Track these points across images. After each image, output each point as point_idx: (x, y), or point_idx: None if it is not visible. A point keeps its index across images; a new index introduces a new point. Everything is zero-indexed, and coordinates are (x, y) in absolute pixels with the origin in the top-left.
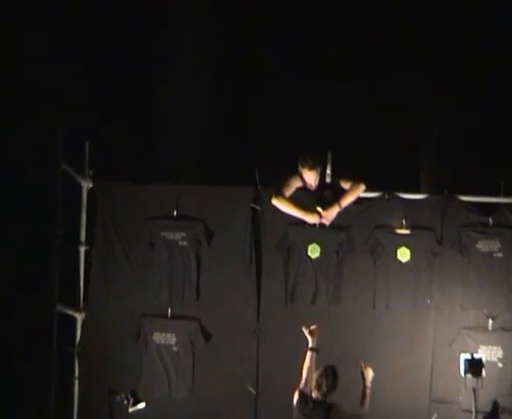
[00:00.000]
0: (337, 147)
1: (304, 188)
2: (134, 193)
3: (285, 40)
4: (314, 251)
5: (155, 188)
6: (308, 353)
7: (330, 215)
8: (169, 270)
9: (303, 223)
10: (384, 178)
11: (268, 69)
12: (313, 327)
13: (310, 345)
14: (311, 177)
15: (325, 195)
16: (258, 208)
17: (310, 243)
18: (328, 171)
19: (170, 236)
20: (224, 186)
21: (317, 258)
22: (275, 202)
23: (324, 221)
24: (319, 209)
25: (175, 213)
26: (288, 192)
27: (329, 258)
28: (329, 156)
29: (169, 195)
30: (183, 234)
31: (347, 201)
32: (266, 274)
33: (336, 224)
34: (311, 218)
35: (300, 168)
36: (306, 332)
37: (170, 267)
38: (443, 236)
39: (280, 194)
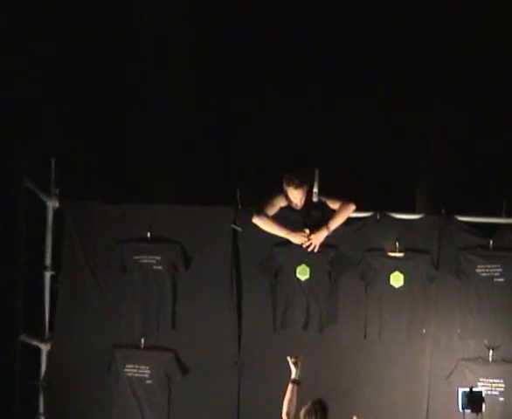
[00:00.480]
0: (325, 164)
1: (289, 208)
2: (105, 213)
3: (269, 53)
4: (303, 273)
5: (127, 207)
6: (290, 386)
7: (318, 239)
8: (143, 296)
9: (289, 243)
10: (375, 197)
11: (251, 82)
12: (297, 357)
13: (293, 376)
14: (297, 196)
15: (312, 216)
16: (239, 229)
17: (299, 264)
18: (316, 189)
19: (144, 259)
20: (202, 206)
21: (307, 280)
22: (256, 220)
23: (311, 245)
24: (306, 231)
25: (149, 235)
26: (272, 211)
27: (321, 279)
28: (317, 174)
29: (142, 216)
30: (158, 258)
31: (336, 223)
32: (249, 301)
33: (326, 242)
34: (296, 238)
35: (286, 187)
36: (290, 361)
37: (144, 294)
38: (440, 259)
39: (261, 212)
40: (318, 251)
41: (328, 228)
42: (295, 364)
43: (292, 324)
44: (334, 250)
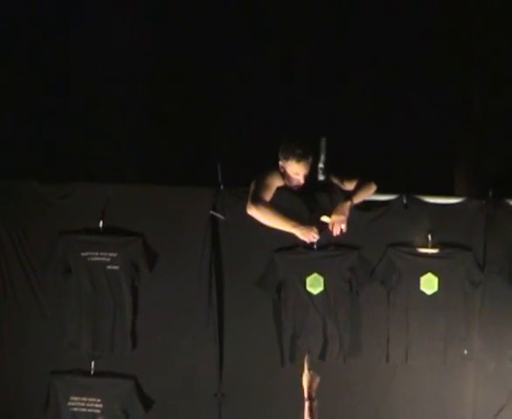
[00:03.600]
0: (333, 135)
1: (287, 189)
2: (43, 196)
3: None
4: (315, 285)
5: (72, 187)
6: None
7: (344, 214)
8: (93, 306)
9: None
10: (401, 176)
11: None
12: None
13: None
14: (300, 172)
15: (319, 199)
16: (221, 217)
17: (309, 273)
18: (322, 165)
19: (95, 257)
20: (171, 186)
21: (321, 294)
22: (252, 211)
23: (339, 225)
24: (325, 218)
25: (101, 224)
26: (268, 195)
27: (339, 292)
28: (323, 144)
29: (92, 199)
30: (114, 255)
31: (359, 197)
32: (234, 313)
33: (343, 241)
34: (307, 234)
35: (283, 161)
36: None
37: (94, 303)
38: (487, 258)
39: (258, 199)
40: (334, 255)
41: (350, 198)
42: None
43: (304, 354)
44: (355, 252)
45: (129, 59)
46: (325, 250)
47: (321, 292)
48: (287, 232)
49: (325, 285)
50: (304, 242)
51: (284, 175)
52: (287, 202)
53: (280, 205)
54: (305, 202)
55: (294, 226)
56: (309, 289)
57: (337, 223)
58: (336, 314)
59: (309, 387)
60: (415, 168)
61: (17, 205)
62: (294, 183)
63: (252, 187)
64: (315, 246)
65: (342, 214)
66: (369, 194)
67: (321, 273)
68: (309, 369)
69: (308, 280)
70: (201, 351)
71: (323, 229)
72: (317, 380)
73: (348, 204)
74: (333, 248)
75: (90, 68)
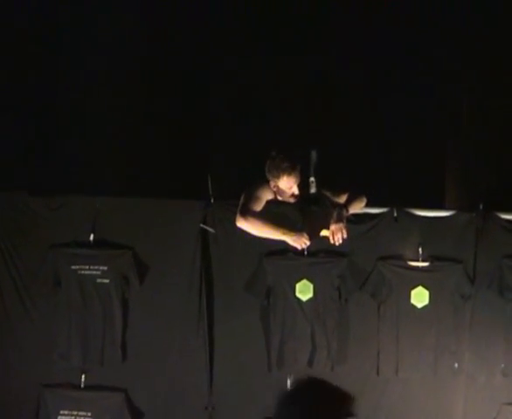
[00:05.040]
0: (321, 148)
1: (277, 202)
2: (33, 209)
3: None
4: (305, 291)
5: (62, 200)
6: None
7: (342, 221)
8: (83, 319)
9: (283, 251)
10: (390, 189)
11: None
12: None
13: None
14: (293, 184)
15: (310, 211)
16: (211, 230)
17: (298, 280)
18: (312, 178)
19: (85, 270)
20: (161, 199)
21: (310, 301)
22: (241, 223)
23: (339, 235)
24: (324, 232)
25: (91, 237)
26: (258, 207)
27: (328, 299)
28: (314, 156)
29: (82, 212)
30: (104, 268)
31: (352, 207)
32: (224, 326)
33: (332, 248)
34: (297, 240)
35: (274, 180)
36: None
37: (84, 315)
38: (477, 270)
39: (246, 210)
40: (324, 262)
41: (345, 207)
42: None
43: (292, 361)
44: (345, 259)
45: (118, 70)
46: (315, 257)
47: (310, 299)
48: (278, 243)
49: (314, 292)
50: (295, 249)
51: (278, 193)
52: (279, 214)
53: (271, 216)
54: (297, 214)
55: (285, 233)
56: (299, 295)
57: (337, 231)
58: (325, 322)
59: None
60: (405, 181)
61: (6, 217)
62: (290, 196)
63: (242, 200)
64: (306, 252)
65: (340, 221)
66: (360, 206)
67: (310, 280)
68: None
69: (298, 286)
70: (191, 364)
71: (315, 237)
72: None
73: (344, 212)
74: (323, 255)
75: (78, 78)
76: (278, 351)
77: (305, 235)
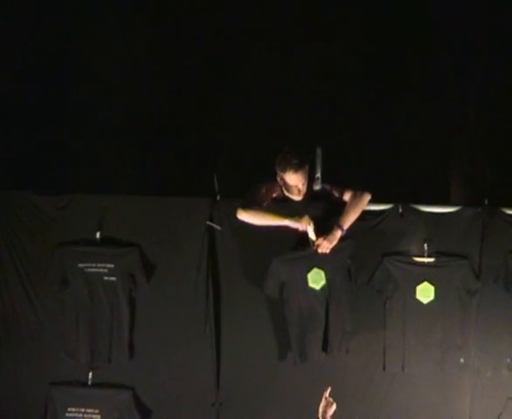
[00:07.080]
0: (328, 143)
1: (283, 200)
2: (40, 207)
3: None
4: (317, 280)
5: (69, 199)
6: None
7: (330, 242)
8: (90, 317)
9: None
10: (396, 185)
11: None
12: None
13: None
14: (299, 182)
15: (314, 208)
16: (218, 227)
17: (309, 270)
18: (318, 174)
19: (92, 268)
20: (167, 196)
21: (323, 289)
22: (242, 215)
23: (324, 250)
24: (312, 235)
25: (98, 235)
26: (261, 200)
27: (341, 281)
28: (319, 153)
29: (89, 210)
30: (111, 265)
31: (349, 219)
32: (231, 323)
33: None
34: (298, 219)
35: (281, 174)
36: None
37: (92, 313)
38: (483, 266)
39: (246, 203)
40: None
41: (340, 227)
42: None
43: (315, 351)
44: (349, 240)
45: (127, 71)
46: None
47: (323, 287)
48: (283, 239)
49: (327, 278)
50: (297, 229)
51: (283, 186)
52: (284, 211)
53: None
54: (301, 210)
55: (286, 217)
56: (312, 285)
57: (322, 247)
58: (339, 304)
59: (324, 412)
60: (411, 177)
61: (13, 216)
62: (295, 193)
63: (245, 195)
64: (312, 244)
65: (329, 242)
66: (364, 205)
67: (321, 267)
68: (326, 397)
69: (310, 276)
70: (199, 360)
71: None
72: (333, 407)
73: (338, 235)
74: None
75: (87, 78)
76: (298, 344)
77: (306, 216)
